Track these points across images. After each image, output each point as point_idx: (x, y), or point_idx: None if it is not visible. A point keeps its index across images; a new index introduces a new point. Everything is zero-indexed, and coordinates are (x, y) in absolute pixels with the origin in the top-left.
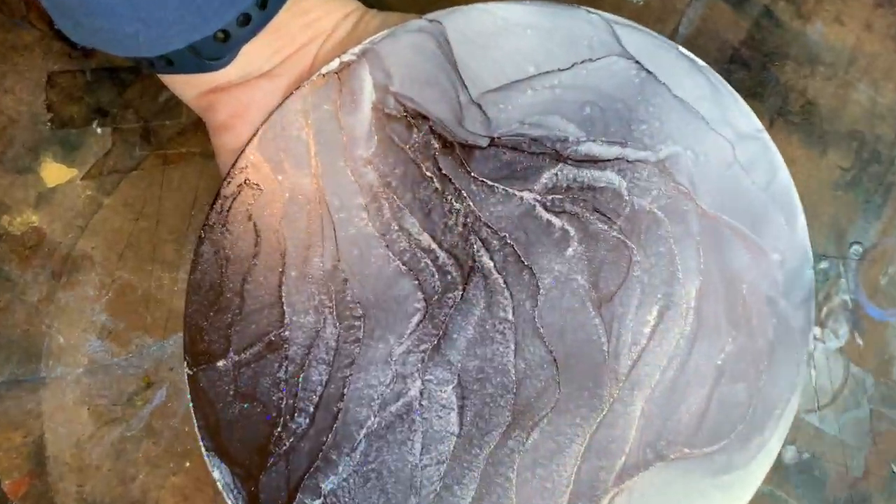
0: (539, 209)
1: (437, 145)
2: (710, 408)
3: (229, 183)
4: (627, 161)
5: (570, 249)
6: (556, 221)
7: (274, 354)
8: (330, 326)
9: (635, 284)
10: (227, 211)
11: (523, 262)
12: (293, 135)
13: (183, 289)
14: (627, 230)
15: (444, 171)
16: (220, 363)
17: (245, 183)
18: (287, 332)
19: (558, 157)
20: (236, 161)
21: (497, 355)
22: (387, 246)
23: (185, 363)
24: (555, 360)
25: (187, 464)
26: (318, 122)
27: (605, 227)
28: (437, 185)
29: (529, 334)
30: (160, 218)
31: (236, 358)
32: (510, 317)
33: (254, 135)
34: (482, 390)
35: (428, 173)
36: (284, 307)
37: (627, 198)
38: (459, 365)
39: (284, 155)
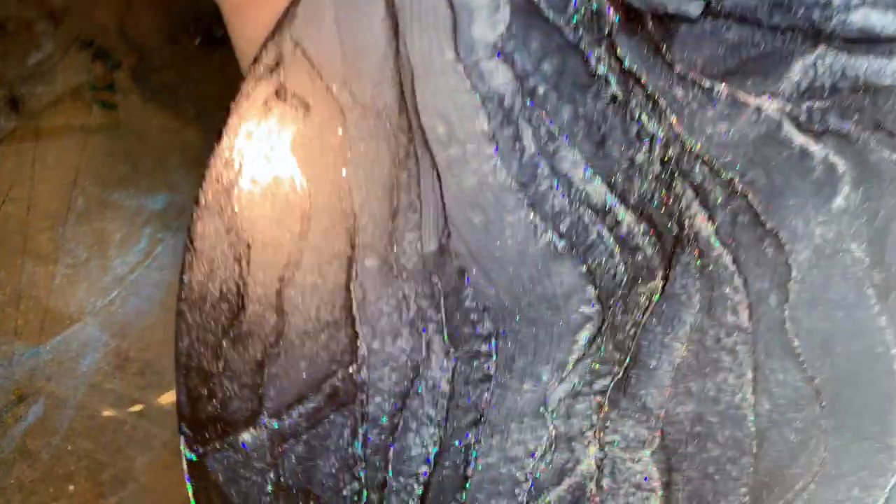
0: (787, 128)
1: (613, 17)
2: None
3: (249, 96)
4: None
5: (838, 198)
6: (815, 148)
7: (342, 413)
8: (438, 356)
9: None
10: (243, 154)
11: (763, 224)
12: (360, 9)
13: (62, 284)
14: None
15: (626, 65)
16: (247, 435)
17: (278, 95)
18: (363, 372)
19: (817, 35)
20: (259, 54)
21: (724, 391)
22: (531, 206)
23: (182, 438)
24: (817, 392)
25: (71, 487)
26: None
27: (894, 154)
28: (616, 89)
29: (777, 350)
30: (32, 202)
31: (275, 424)
32: (745, 322)
33: (290, 6)
34: (700, 454)
35: (599, 68)
36: (357, 325)
37: None
38: (662, 413)
39: (347, 45)
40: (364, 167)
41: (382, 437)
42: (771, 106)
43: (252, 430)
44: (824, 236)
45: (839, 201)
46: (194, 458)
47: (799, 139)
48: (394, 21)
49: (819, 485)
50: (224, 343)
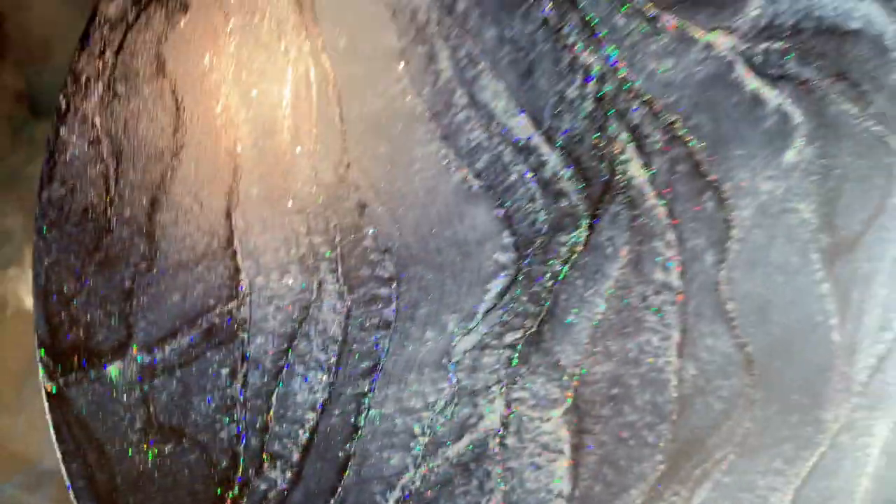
0: (740, 69)
1: None
2: None
3: None
4: None
5: (790, 152)
6: (770, 95)
7: (220, 350)
8: (331, 297)
9: None
10: (116, 53)
11: (704, 175)
12: None
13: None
14: (893, 117)
15: None
16: (114, 367)
17: None
18: (244, 309)
19: None
20: None
21: (646, 353)
22: (444, 138)
23: (41, 368)
24: (748, 360)
25: None
26: None
27: (856, 108)
28: (549, 11)
29: (708, 313)
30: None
31: (146, 358)
32: (675, 280)
33: None
34: (616, 418)
35: None
36: (239, 258)
37: None
38: (577, 371)
39: None
40: (249, 81)
41: (265, 379)
42: (723, 43)
43: (119, 361)
44: (771, 193)
45: (790, 155)
46: (55, 389)
47: (752, 83)
48: None
49: (740, 456)
50: (88, 266)
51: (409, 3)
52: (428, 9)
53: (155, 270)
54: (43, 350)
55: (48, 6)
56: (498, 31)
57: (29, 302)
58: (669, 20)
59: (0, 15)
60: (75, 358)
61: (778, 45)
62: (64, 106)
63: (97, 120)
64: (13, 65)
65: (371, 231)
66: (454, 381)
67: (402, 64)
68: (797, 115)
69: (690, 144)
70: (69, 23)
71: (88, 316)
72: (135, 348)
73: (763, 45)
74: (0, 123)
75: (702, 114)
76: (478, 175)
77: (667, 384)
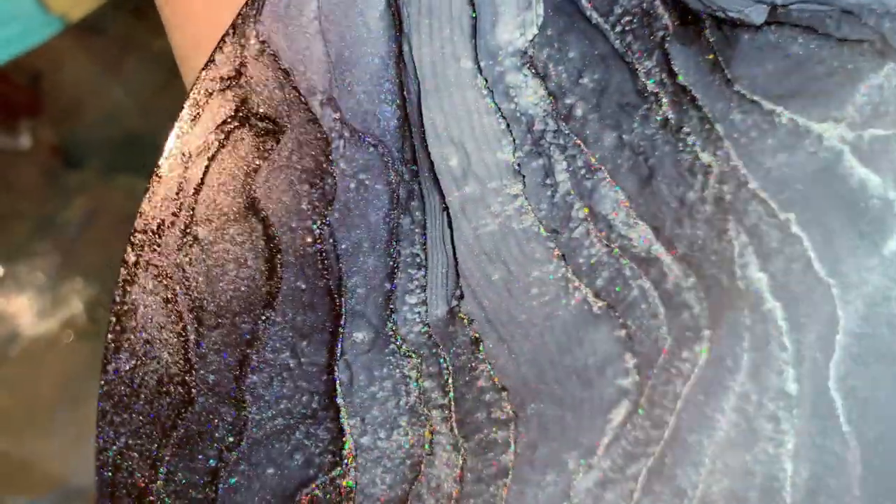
0: (848, 158)
1: (667, 18)
2: None
3: (198, 118)
4: None
5: (892, 240)
6: (874, 183)
7: None
8: (445, 450)
9: None
10: (195, 198)
11: (816, 272)
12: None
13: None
14: None
15: (681, 80)
16: None
17: (238, 116)
18: (350, 476)
19: (885, 51)
20: (212, 57)
21: (761, 462)
22: (563, 257)
23: None
24: (859, 455)
25: None
26: None
27: None
28: (669, 110)
29: (819, 413)
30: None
31: None
32: (790, 385)
33: None
34: None
35: (649, 84)
36: (342, 418)
37: None
38: (696, 494)
39: (334, 47)
40: (354, 210)
41: None
42: (833, 133)
43: None
44: (874, 284)
45: (893, 244)
46: None
47: (858, 173)
48: (397, 17)
49: None
50: (165, 449)
51: (525, 111)
52: (545, 117)
53: (244, 443)
54: None
55: (79, 65)
56: (617, 135)
57: (60, 337)
58: (785, 114)
59: (37, 73)
60: None
61: (883, 131)
62: (133, 259)
63: (173, 272)
64: (49, 120)
65: (486, 368)
66: None
67: (519, 180)
68: None
69: (803, 242)
70: (98, 80)
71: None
72: None
73: (869, 133)
74: (36, 174)
75: (814, 209)
76: (597, 294)
77: (780, 491)
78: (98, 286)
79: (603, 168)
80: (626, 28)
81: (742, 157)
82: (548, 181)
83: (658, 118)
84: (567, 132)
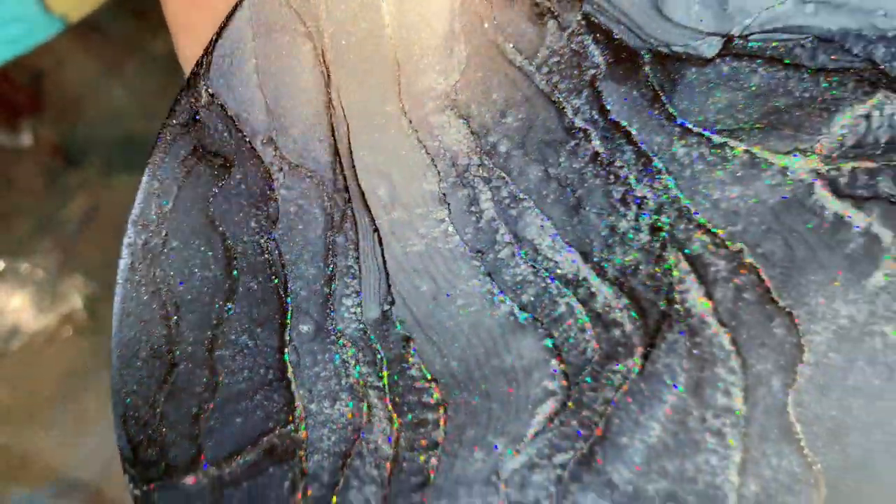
0: (820, 192)
1: (599, 57)
2: None
3: (167, 152)
4: None
5: (878, 274)
6: (856, 217)
7: (281, 466)
8: (381, 421)
9: None
10: (171, 216)
11: (774, 302)
12: (284, 55)
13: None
14: None
15: (613, 117)
16: (189, 478)
17: (195, 153)
18: (301, 431)
19: (877, 79)
20: (173, 107)
21: (703, 472)
22: (488, 274)
23: (126, 477)
24: (818, 478)
25: None
26: (337, 15)
27: None
28: (599, 145)
29: (773, 435)
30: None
31: (215, 472)
32: (738, 405)
33: (204, 55)
34: None
35: (577, 121)
36: (293, 388)
37: None
38: (630, 490)
39: (271, 95)
40: (295, 229)
41: (323, 491)
42: (801, 166)
43: (193, 474)
44: (852, 317)
45: (878, 279)
46: (139, 494)
47: (833, 206)
48: (326, 71)
49: None
50: (159, 397)
51: (448, 148)
52: (468, 153)
53: (218, 399)
54: (127, 463)
55: (80, 65)
56: (542, 169)
57: (59, 332)
58: (738, 146)
59: (38, 72)
60: (155, 471)
61: (867, 164)
62: (128, 261)
63: (156, 273)
64: (50, 119)
65: (417, 361)
66: (503, 496)
67: (444, 208)
68: (888, 237)
69: (759, 272)
70: (99, 80)
71: (163, 437)
72: (205, 463)
73: (850, 165)
74: (37, 172)
75: (774, 240)
76: (524, 307)
77: (724, 500)
78: (97, 283)
79: (528, 198)
80: (553, 69)
81: (684, 190)
82: (472, 209)
83: (587, 153)
84: (491, 166)
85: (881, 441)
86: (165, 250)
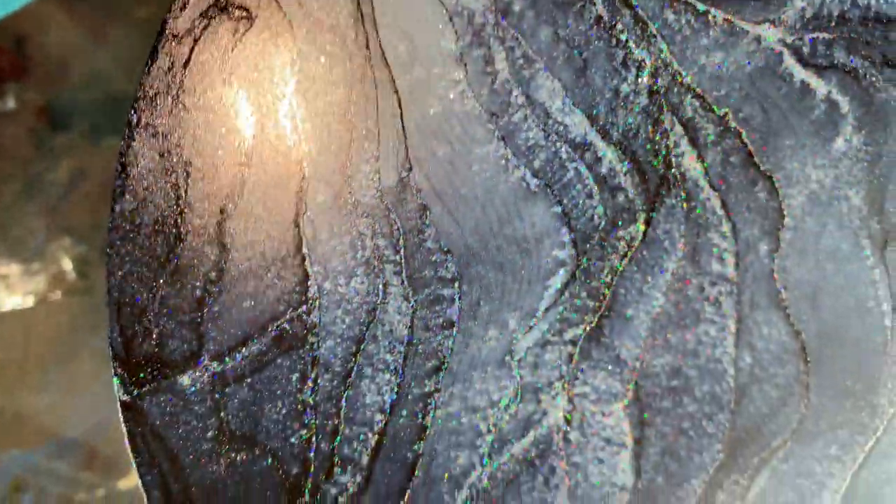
0: (788, 61)
1: None
2: None
3: (186, 6)
4: None
5: (839, 140)
6: (818, 85)
7: (290, 356)
8: (396, 299)
9: None
10: (184, 66)
11: (756, 166)
12: None
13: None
14: None
15: None
16: (186, 377)
17: (217, 7)
18: (314, 313)
19: None
20: None
21: (704, 344)
22: (502, 138)
23: (116, 380)
24: (803, 346)
25: None
26: None
27: None
28: (602, 8)
29: (763, 302)
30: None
31: (217, 367)
32: (730, 271)
33: None
34: (676, 409)
35: None
36: (308, 264)
37: None
38: (637, 365)
39: None
40: (314, 89)
41: (335, 382)
42: (772, 35)
43: (192, 372)
44: (821, 181)
45: (840, 143)
46: (129, 399)
47: (800, 74)
48: None
49: (796, 442)
50: (160, 277)
51: (467, 5)
52: (484, 11)
53: (226, 278)
54: (117, 362)
55: (64, 28)
56: (552, 30)
57: (49, 294)
58: (718, 14)
59: (22, 36)
60: (149, 369)
61: (824, 35)
62: (135, 120)
63: (167, 133)
64: (34, 83)
65: (433, 232)
66: (517, 378)
67: (461, 67)
68: (845, 104)
69: (742, 136)
70: (83, 43)
71: (161, 327)
72: (206, 357)
73: (810, 36)
74: (23, 136)
75: (752, 106)
76: (535, 174)
77: (724, 374)
78: (86, 245)
79: (539, 59)
80: None
81: (676, 54)
82: (488, 69)
83: (592, 16)
84: (506, 25)
85: (850, 306)
86: (178, 108)
